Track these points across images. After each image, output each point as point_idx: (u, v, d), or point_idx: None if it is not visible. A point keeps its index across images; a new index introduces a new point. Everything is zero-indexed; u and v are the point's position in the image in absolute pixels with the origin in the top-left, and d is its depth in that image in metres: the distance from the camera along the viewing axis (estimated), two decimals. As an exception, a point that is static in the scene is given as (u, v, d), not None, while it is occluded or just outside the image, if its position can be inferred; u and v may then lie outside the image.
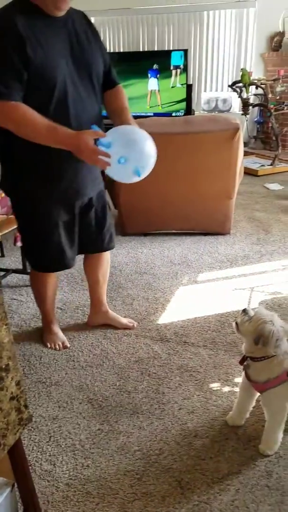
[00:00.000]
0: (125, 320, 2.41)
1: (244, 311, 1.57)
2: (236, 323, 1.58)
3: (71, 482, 1.53)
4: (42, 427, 1.76)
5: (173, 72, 6.42)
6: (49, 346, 2.25)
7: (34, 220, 1.96)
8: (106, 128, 1.81)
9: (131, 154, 1.68)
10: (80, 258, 2.25)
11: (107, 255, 2.29)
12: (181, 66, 6.36)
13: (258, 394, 1.64)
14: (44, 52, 1.65)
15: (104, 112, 1.99)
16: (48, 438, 1.71)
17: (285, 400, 1.56)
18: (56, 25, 1.71)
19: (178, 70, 6.39)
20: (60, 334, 2.30)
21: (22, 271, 3.01)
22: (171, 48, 6.69)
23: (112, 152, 1.64)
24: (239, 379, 1.98)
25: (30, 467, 1.43)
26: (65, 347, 2.24)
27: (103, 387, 1.96)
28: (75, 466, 1.59)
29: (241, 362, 1.61)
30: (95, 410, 1.84)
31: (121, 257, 3.26)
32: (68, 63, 1.73)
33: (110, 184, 3.65)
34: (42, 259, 2.05)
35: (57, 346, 2.24)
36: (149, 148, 1.74)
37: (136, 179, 1.78)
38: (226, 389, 1.94)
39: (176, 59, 6.35)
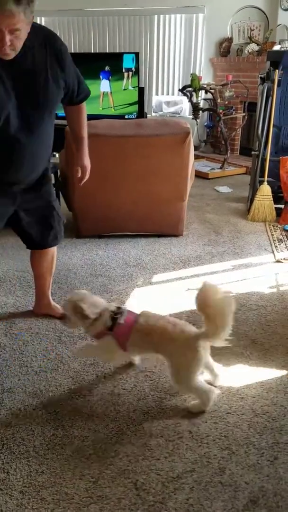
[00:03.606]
0: None
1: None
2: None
3: (25, 489, 1.50)
4: (-6, 435, 1.72)
5: (125, 74, 6.45)
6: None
7: None
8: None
9: None
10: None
11: (51, 250, 2.39)
12: (133, 69, 6.41)
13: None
14: None
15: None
16: (1, 445, 1.67)
17: (106, 352, 1.94)
18: (9, 65, 1.71)
19: (130, 73, 6.43)
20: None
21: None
22: (122, 51, 6.72)
23: None
24: (192, 378, 2.02)
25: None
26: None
27: (58, 392, 1.95)
28: (29, 473, 1.56)
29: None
30: (49, 416, 1.82)
31: (76, 260, 3.23)
32: (15, 103, 1.78)
33: (64, 186, 3.62)
34: None
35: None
36: None
37: None
38: (180, 388, 1.97)
39: (127, 62, 6.39)
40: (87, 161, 2.33)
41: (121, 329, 1.85)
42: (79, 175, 2.31)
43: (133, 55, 6.37)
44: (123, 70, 6.43)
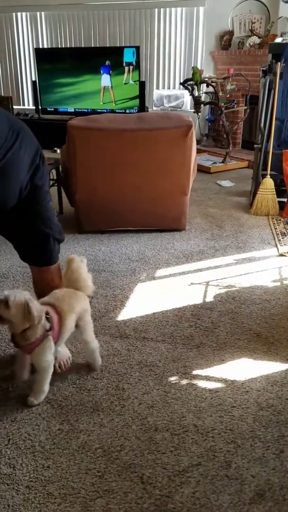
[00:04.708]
0: None
1: None
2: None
3: (31, 484, 1.51)
4: (0, 430, 1.72)
5: (126, 68, 6.43)
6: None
7: None
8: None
9: None
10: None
11: (49, 269, 2.05)
12: (134, 63, 6.38)
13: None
14: None
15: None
16: (7, 441, 1.68)
17: (49, 354, 1.79)
18: None
19: (131, 67, 6.41)
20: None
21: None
22: (123, 45, 6.69)
23: None
24: (197, 371, 2.02)
25: (-12, 472, 1.40)
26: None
27: (63, 387, 1.94)
28: (35, 468, 1.57)
29: (12, 339, 1.80)
30: (54, 410, 1.82)
31: (78, 255, 3.22)
32: None
33: (66, 181, 3.62)
34: None
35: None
36: None
37: None
38: (184, 381, 1.97)
39: (128, 56, 6.37)
40: None
41: (54, 325, 1.79)
42: None
43: (134, 49, 6.34)
44: (124, 64, 6.41)
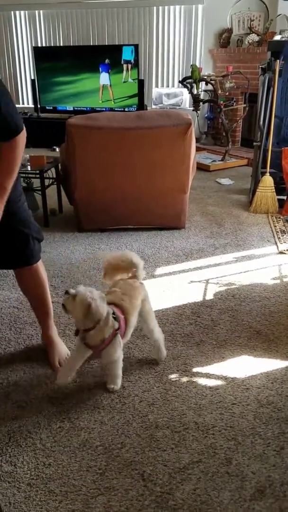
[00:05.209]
0: None
1: (66, 292, 1.74)
2: (63, 305, 1.75)
3: (33, 482, 1.51)
4: (1, 428, 1.72)
5: (125, 67, 6.43)
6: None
7: None
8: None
9: None
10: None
11: (28, 270, 2.03)
12: (132, 61, 6.38)
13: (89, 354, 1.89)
14: None
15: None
16: (7, 439, 1.68)
17: (119, 351, 1.85)
18: None
19: (129, 65, 6.41)
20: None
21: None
22: (121, 43, 6.68)
23: None
24: (197, 369, 2.02)
25: (-10, 470, 1.40)
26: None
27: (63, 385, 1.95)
28: (36, 466, 1.57)
29: (76, 334, 1.84)
30: (55, 408, 1.82)
31: (78, 254, 3.23)
32: None
33: (65, 180, 3.61)
34: None
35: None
36: None
37: None
38: (184, 379, 1.97)
39: (127, 54, 6.36)
40: None
41: (121, 323, 1.83)
42: None
43: (133, 47, 6.34)
44: (123, 63, 6.41)
